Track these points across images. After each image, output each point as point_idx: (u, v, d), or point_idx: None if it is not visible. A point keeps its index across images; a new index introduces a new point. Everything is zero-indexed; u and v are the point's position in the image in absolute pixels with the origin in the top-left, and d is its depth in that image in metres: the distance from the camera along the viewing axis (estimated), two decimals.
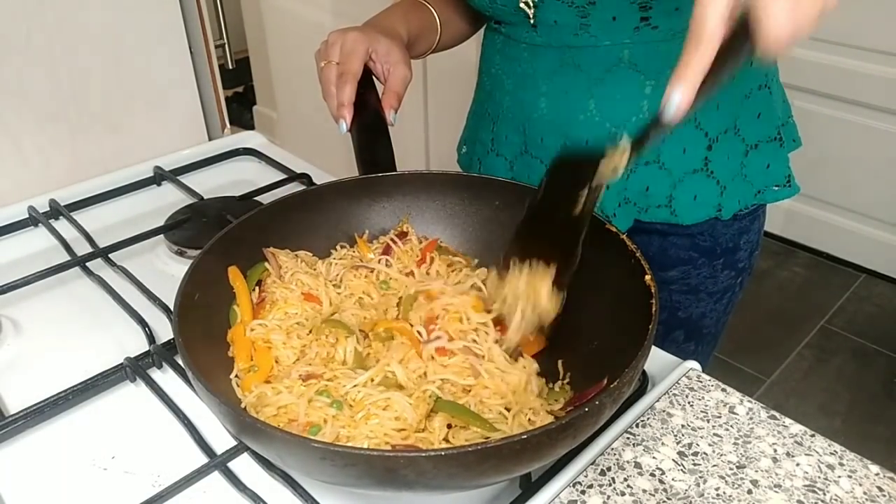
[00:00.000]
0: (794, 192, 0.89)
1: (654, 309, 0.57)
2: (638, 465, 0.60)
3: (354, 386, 0.59)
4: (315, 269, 0.74)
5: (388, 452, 0.50)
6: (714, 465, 0.60)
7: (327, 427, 0.56)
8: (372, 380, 0.60)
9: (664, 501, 0.57)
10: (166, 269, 0.88)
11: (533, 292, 0.60)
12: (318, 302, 0.69)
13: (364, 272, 0.73)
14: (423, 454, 0.46)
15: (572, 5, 0.76)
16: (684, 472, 0.59)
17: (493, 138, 0.94)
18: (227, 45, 1.50)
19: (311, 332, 0.66)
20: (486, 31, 0.95)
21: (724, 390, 0.67)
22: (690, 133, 0.82)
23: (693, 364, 0.70)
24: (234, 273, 0.69)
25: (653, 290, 0.58)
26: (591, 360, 0.65)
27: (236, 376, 0.63)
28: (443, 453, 0.46)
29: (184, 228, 0.91)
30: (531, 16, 0.80)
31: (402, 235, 0.76)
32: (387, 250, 0.75)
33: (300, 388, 0.59)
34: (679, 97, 0.48)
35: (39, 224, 0.95)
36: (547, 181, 0.63)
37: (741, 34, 0.47)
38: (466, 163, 1.03)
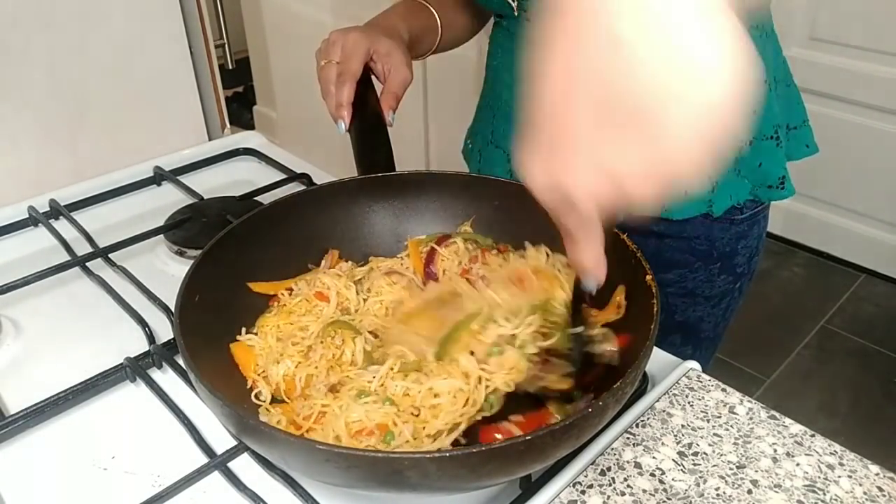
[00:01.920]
0: (788, 194, 0.88)
1: (655, 309, 0.57)
2: (638, 465, 0.60)
3: (377, 377, 0.58)
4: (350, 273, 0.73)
5: (392, 454, 0.50)
6: (714, 465, 0.60)
7: (396, 429, 0.55)
8: (392, 368, 0.59)
9: (664, 501, 0.57)
10: (166, 269, 0.88)
11: None
12: (327, 300, 0.69)
13: (395, 277, 0.71)
14: (428, 456, 0.46)
15: None
16: (684, 472, 0.59)
17: (493, 130, 0.95)
18: (227, 45, 1.50)
19: (312, 333, 0.66)
20: (493, 24, 0.96)
21: (724, 390, 0.67)
22: None
23: (693, 364, 0.70)
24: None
25: (654, 290, 0.58)
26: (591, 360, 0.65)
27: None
28: (447, 455, 0.46)
29: (184, 228, 0.91)
30: (514, 9, 0.80)
31: (444, 238, 0.74)
32: (430, 256, 0.73)
33: (329, 399, 0.58)
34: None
35: (39, 224, 0.95)
36: None
37: None
38: (469, 155, 1.03)
